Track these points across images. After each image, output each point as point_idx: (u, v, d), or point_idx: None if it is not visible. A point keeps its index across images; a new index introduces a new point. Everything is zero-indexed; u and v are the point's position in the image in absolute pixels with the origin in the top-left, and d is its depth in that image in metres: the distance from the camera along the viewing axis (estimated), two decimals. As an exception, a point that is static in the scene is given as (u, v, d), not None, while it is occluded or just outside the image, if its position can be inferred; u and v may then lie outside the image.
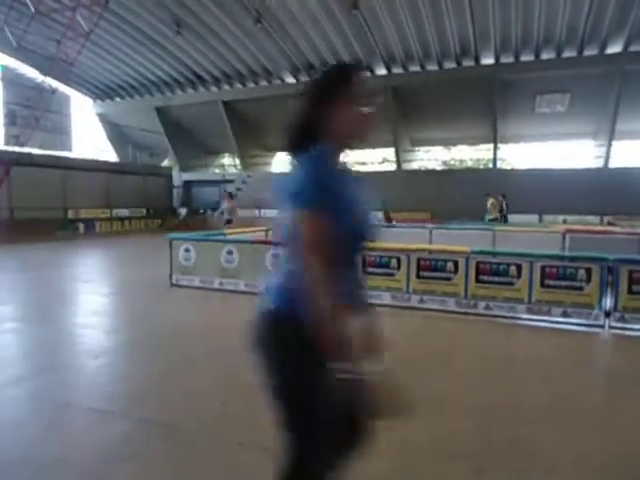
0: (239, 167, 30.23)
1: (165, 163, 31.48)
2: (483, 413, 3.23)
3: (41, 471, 2.52)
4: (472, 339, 5.08)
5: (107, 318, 6.29)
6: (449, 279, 5.92)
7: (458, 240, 8.76)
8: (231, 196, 13.39)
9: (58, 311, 6.55)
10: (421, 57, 22.86)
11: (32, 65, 20.10)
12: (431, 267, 6.01)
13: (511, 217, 16.79)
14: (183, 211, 26.00)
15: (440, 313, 5.93)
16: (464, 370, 4.12)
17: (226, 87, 27.62)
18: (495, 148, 25.07)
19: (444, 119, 24.61)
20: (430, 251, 6.28)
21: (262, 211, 23.35)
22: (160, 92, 29.04)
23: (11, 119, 21.10)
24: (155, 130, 29.33)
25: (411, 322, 5.72)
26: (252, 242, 7.43)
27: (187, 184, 28.22)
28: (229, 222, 12.03)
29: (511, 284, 5.66)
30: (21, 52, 16.86)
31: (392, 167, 28.08)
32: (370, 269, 6.34)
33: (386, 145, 27.71)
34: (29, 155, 19.01)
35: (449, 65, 23.14)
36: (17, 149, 18.07)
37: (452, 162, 29.01)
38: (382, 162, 29.90)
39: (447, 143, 28.11)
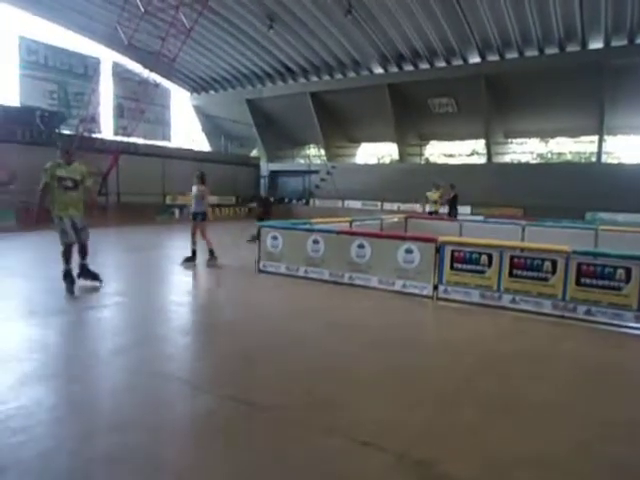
0: (324, 158, 30.56)
1: (254, 153, 32.67)
2: (588, 428, 3.00)
3: (140, 435, 2.75)
4: (571, 345, 4.73)
5: (198, 298, 6.69)
6: (546, 279, 5.54)
7: (554, 239, 8.19)
8: (203, 179, 8.83)
9: (155, 289, 7.09)
10: (520, 43, 21.47)
11: (139, 61, 21.73)
12: (526, 266, 5.67)
13: (622, 216, 15.23)
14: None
15: (533, 315, 5.59)
16: (564, 378, 3.85)
17: (314, 79, 27.96)
18: (600, 140, 22.98)
19: (542, 109, 23.01)
20: (523, 249, 5.92)
21: (345, 202, 23.45)
22: (251, 85, 30.10)
23: (120, 111, 23.03)
24: (245, 121, 30.50)
25: (501, 323, 5.45)
26: (338, 232, 7.49)
27: (273, 174, 29.09)
28: (203, 219, 8.55)
29: (618, 289, 5.18)
30: (130, 50, 18.23)
31: (482, 160, 26.83)
32: (458, 265, 6.14)
33: (476, 137, 26.54)
34: (135, 145, 20.67)
35: (551, 51, 21.52)
36: (124, 139, 19.69)
37: (549, 155, 27.06)
38: (471, 154, 28.68)
39: (544, 135, 26.25)
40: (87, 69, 22.80)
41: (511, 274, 5.79)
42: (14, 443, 2.60)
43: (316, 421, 2.92)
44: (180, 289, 7.19)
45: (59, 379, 3.49)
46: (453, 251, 6.20)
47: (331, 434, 2.77)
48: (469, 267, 6.05)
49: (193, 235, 8.59)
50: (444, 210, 14.77)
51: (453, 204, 14.64)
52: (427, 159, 29.21)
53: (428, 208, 14.42)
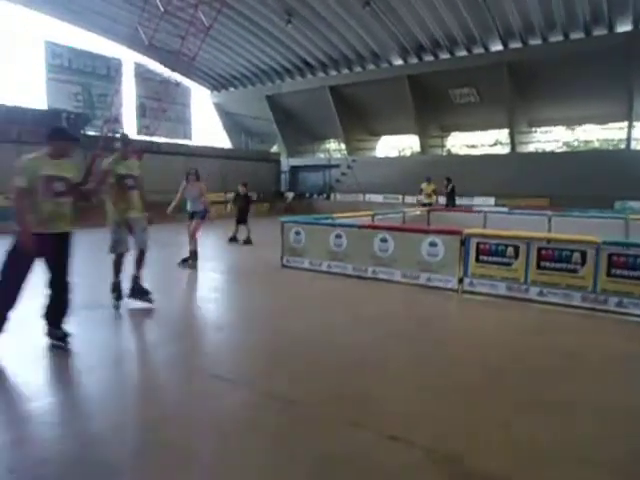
0: (344, 152, 30.46)
1: (274, 149, 32.77)
2: (619, 420, 2.94)
3: (175, 429, 2.81)
4: (603, 338, 4.63)
5: (225, 294, 6.78)
6: (575, 271, 5.42)
7: (582, 229, 8.02)
8: (198, 176, 8.28)
9: (183, 286, 7.20)
10: (543, 28, 20.90)
11: (159, 61, 22.01)
12: (554, 257, 5.56)
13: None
14: (290, 195, 26.92)
15: (562, 307, 5.48)
16: (597, 372, 3.78)
17: (333, 73, 27.83)
18: (630, 126, 22.26)
19: (568, 96, 22.38)
20: (550, 240, 5.80)
21: (367, 196, 23.34)
22: (270, 81, 30.15)
23: (142, 111, 23.42)
24: (265, 117, 30.60)
25: (529, 316, 5.37)
26: (360, 227, 7.48)
27: (294, 169, 29.12)
28: (203, 217, 8.14)
29: (651, 280, 5.04)
30: (151, 50, 18.47)
31: (505, 150, 26.32)
32: (483, 257, 6.06)
33: (499, 126, 26.03)
34: (157, 144, 20.97)
35: (576, 35, 20.89)
36: (147, 138, 20.00)
37: (575, 143, 26.35)
38: (494, 144, 28.16)
39: (570, 122, 25.55)
40: (110, 70, 23.22)
41: (539, 266, 5.68)
42: (54, 437, 2.69)
43: (346, 415, 2.94)
44: (208, 285, 7.27)
45: (96, 373, 3.59)
46: (478, 243, 6.12)
47: (360, 428, 2.78)
48: (495, 259, 5.97)
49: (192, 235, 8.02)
50: (441, 202, 15.57)
51: (451, 196, 15.54)
52: (449, 150, 28.82)
53: (422, 200, 14.71)
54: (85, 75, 22.56)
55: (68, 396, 3.18)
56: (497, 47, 22.69)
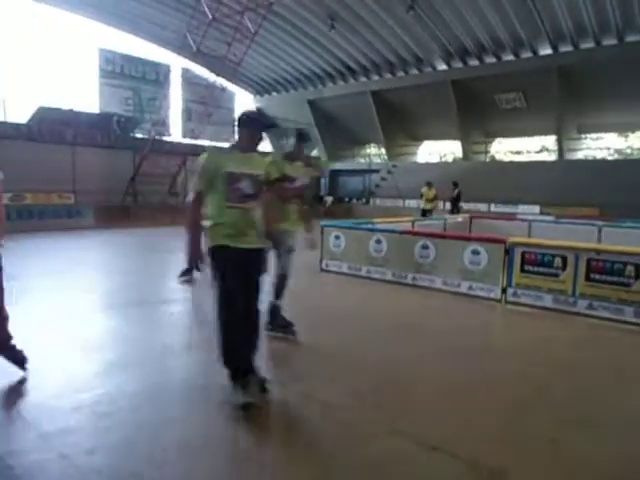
0: (384, 157, 30.29)
1: (314, 153, 32.97)
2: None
3: (214, 426, 2.86)
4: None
5: (263, 295, 6.83)
6: (628, 285, 5.17)
7: (635, 241, 7.64)
8: None
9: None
10: (596, 31, 20.12)
11: (206, 66, 22.60)
12: (605, 270, 5.31)
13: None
14: (329, 199, 27.01)
15: (612, 322, 5.23)
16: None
17: (375, 77, 27.77)
18: (689, 133, 21.09)
19: (621, 101, 21.43)
20: (601, 251, 5.55)
21: (406, 201, 23.10)
22: (312, 85, 30.40)
23: (188, 115, 24.14)
24: (306, 122, 30.83)
25: (577, 329, 5.16)
26: (401, 232, 7.40)
27: (334, 173, 29.20)
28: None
29: None
30: (198, 56, 19.00)
31: (552, 157, 25.46)
32: (529, 267, 5.87)
33: (546, 132, 25.22)
34: (202, 147, 21.52)
35: (632, 38, 19.98)
36: (192, 141, 20.57)
37: (628, 151, 25.16)
38: (540, 151, 27.28)
39: (624, 129, 24.43)
40: (159, 75, 24.09)
41: (588, 278, 5.45)
42: (101, 427, 2.80)
43: (382, 422, 2.91)
44: (245, 286, 7.37)
45: (139, 369, 3.70)
46: (524, 253, 5.93)
47: (398, 436, 2.74)
48: (541, 270, 5.77)
49: None
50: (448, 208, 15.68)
51: (456, 201, 15.55)
52: (492, 156, 28.14)
53: (422, 205, 14.43)
54: (135, 80, 23.50)
55: (115, 389, 3.30)
56: (546, 51, 22.02)
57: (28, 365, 3.50)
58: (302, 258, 9.19)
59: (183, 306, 5.88)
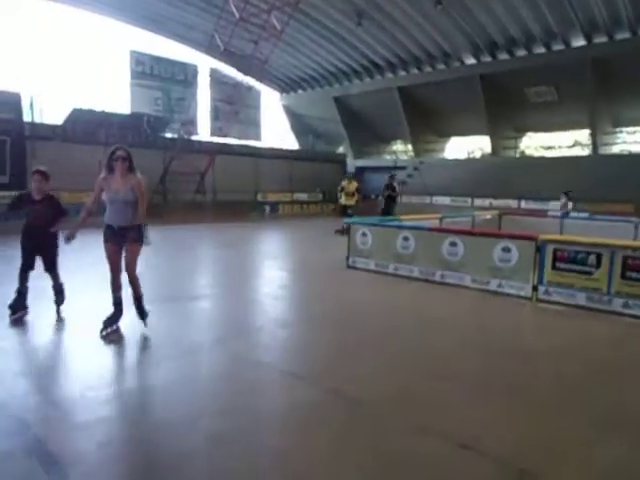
0: (411, 153, 29.98)
1: (340, 150, 32.91)
2: None
3: (242, 421, 2.91)
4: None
5: (291, 291, 6.91)
6: (666, 283, 5.00)
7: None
8: (130, 162, 4.50)
9: (250, 283, 7.43)
10: (632, 21, 19.37)
11: (233, 66, 22.84)
12: (642, 268, 5.15)
13: None
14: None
15: (650, 322, 5.07)
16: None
17: (402, 73, 27.48)
18: None
19: (660, 93, 20.60)
20: (636, 249, 5.37)
21: (434, 198, 22.84)
22: (338, 82, 30.32)
23: (215, 114, 24.43)
24: (332, 119, 30.81)
25: (612, 328, 5.01)
26: (430, 229, 7.33)
27: (359, 170, 29.07)
28: (137, 239, 4.42)
29: None
30: (225, 55, 19.21)
31: (585, 151, 24.69)
32: (561, 264, 5.74)
33: (579, 126, 24.46)
34: (229, 145, 21.80)
35: (671, 27, 19.19)
36: (220, 140, 20.85)
37: (667, 144, 24.16)
38: (572, 146, 26.48)
39: (662, 122, 23.48)
40: (187, 75, 24.48)
41: (624, 276, 5.29)
42: (133, 420, 2.89)
43: (411, 419, 2.91)
44: (273, 283, 7.45)
45: (170, 363, 3.79)
46: (556, 250, 5.80)
47: (426, 433, 2.74)
48: (574, 267, 5.63)
49: (114, 271, 4.37)
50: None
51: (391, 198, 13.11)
52: (522, 152, 27.49)
53: (342, 201, 13.00)
54: (165, 81, 23.95)
55: (138, 385, 3.39)
56: (579, 42, 21.32)
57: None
58: (328, 255, 9.28)
59: (211, 302, 5.97)
